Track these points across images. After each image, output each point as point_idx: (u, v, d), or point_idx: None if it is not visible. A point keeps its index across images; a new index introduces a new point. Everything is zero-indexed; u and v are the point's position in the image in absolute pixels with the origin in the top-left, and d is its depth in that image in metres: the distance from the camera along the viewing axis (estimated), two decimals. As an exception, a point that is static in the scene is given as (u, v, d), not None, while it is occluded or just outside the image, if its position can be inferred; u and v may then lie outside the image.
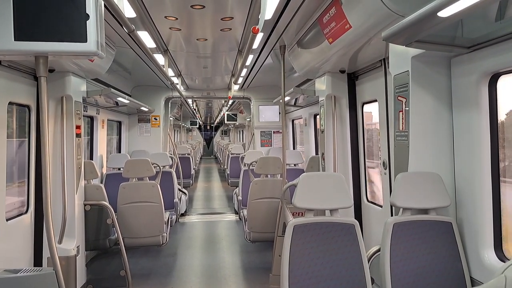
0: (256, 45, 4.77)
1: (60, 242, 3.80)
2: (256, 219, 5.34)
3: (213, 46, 5.30)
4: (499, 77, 2.42)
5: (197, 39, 4.87)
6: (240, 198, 6.92)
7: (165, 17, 3.95)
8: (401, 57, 2.82)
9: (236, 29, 4.44)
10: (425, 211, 2.61)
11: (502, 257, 2.44)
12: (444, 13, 1.84)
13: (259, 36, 4.37)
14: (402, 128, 2.84)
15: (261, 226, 5.33)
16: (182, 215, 8.53)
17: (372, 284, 2.57)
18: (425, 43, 2.40)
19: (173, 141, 9.71)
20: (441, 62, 2.71)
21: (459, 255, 2.52)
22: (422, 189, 2.57)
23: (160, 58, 5.59)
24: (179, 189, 7.42)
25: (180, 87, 8.06)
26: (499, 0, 1.95)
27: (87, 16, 2.16)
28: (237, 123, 17.31)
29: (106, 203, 4.48)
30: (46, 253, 3.78)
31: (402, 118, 2.84)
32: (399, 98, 2.87)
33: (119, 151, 8.10)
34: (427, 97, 2.73)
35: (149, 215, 5.14)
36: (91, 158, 6.41)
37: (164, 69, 5.58)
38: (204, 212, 9.47)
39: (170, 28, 4.34)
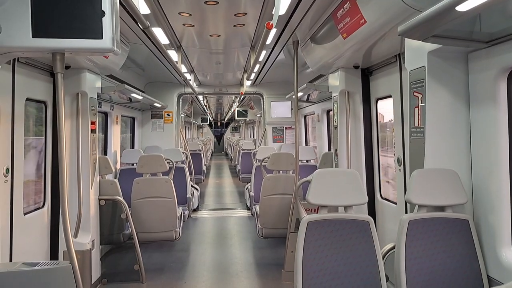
0: (269, 40, 4.75)
1: (75, 236, 3.86)
2: (269, 215, 5.33)
3: (225, 42, 5.30)
4: (518, 72, 2.37)
5: (210, 35, 4.87)
6: (252, 194, 6.92)
7: (179, 13, 3.96)
8: (417, 52, 2.79)
9: (249, 25, 4.43)
10: (441, 208, 2.58)
11: (520, 255, 2.41)
12: (462, 7, 1.81)
13: (272, 32, 4.35)
14: (418, 124, 2.81)
15: (273, 222, 5.33)
16: (195, 210, 8.59)
17: (386, 282, 2.55)
18: (442, 38, 2.36)
19: (184, 137, 9.75)
20: (458, 57, 2.67)
21: (476, 253, 2.49)
22: (438, 186, 2.54)
23: (173, 54, 5.62)
24: (191, 185, 7.46)
25: (193, 83, 8.09)
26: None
27: (103, 13, 2.18)
28: (248, 119, 17.32)
29: (120, 198, 4.53)
30: (62, 247, 3.84)
31: (418, 114, 2.81)
32: (415, 94, 2.84)
33: (133, 147, 8.18)
34: (443, 93, 2.69)
35: (163, 210, 5.18)
36: (105, 153, 6.48)
37: (178, 65, 5.60)
38: (216, 207, 9.51)
39: (183, 24, 4.35)
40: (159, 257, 5.62)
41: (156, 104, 7.53)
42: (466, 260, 2.49)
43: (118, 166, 6.87)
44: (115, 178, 6.24)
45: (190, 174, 8.04)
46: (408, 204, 3.06)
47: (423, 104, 2.73)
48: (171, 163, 5.91)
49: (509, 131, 2.44)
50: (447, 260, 2.49)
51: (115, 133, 6.66)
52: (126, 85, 5.02)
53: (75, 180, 3.92)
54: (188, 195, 6.85)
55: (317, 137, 7.44)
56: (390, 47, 3.58)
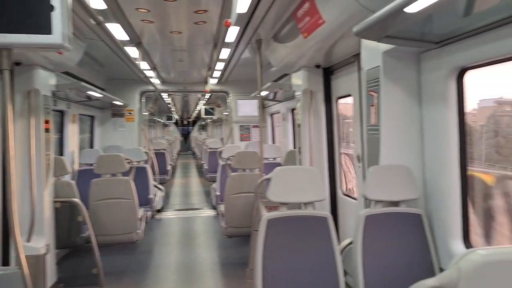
0: (231, 38, 4.73)
1: (28, 240, 3.69)
2: (234, 214, 5.32)
3: (188, 39, 5.24)
4: (466, 71, 2.47)
5: (171, 32, 4.80)
6: (217, 193, 6.87)
7: (137, 9, 3.87)
8: (373, 52, 2.85)
9: (211, 23, 4.40)
10: (395, 203, 2.65)
11: (469, 247, 2.51)
12: (410, 9, 1.87)
13: (234, 30, 4.34)
14: (374, 122, 2.88)
15: (238, 221, 5.32)
16: (159, 211, 8.43)
17: (345, 276, 2.59)
18: (395, 38, 2.42)
19: (147, 136, 9.56)
20: (411, 57, 2.75)
21: (428, 246, 2.57)
22: (393, 181, 2.61)
23: (133, 51, 5.48)
24: (154, 185, 7.33)
25: (156, 80, 7.94)
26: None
27: (52, 7, 2.09)
28: (215, 118, 17.21)
29: (77, 200, 4.38)
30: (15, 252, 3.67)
31: (374, 113, 2.88)
32: (371, 92, 2.90)
33: (92, 147, 7.93)
34: (397, 92, 2.76)
35: (122, 212, 5.06)
36: (62, 154, 6.25)
37: (138, 62, 5.48)
38: (181, 208, 9.38)
39: (142, 20, 4.27)
40: (121, 260, 5.48)
41: (116, 102, 7.34)
42: (420, 252, 2.57)
43: (76, 167, 6.64)
44: (73, 179, 6.03)
45: (154, 174, 7.89)
46: (366, 200, 3.13)
47: (379, 103, 2.80)
48: (131, 163, 5.78)
49: (459, 128, 2.53)
50: (402, 253, 2.56)
51: (72, 132, 6.43)
52: (82, 83, 4.86)
53: (27, 182, 3.75)
54: (151, 195, 6.71)
55: (282, 135, 7.48)
56: (349, 47, 3.64)
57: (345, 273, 2.67)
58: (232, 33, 4.46)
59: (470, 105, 2.58)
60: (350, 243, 2.73)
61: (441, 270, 2.56)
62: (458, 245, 2.51)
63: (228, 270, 5.09)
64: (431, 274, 2.54)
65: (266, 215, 2.57)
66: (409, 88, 2.76)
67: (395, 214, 2.60)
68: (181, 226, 7.58)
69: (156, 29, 4.65)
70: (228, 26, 3.04)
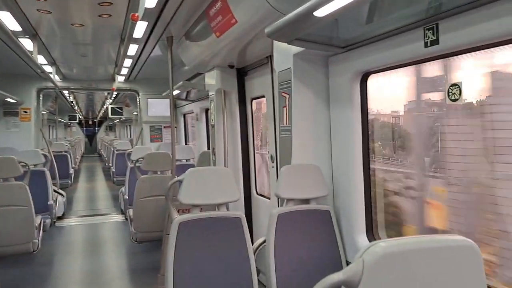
0: (139, 34, 4.52)
1: None
2: (143, 219, 5.10)
3: (92, 33, 4.89)
4: (369, 76, 2.64)
5: (72, 24, 4.42)
6: (126, 197, 6.54)
7: (32, -4, 3.50)
8: (284, 54, 2.91)
9: (117, 16, 4.15)
10: (306, 201, 2.74)
11: (373, 240, 2.69)
12: (319, 13, 1.93)
13: (143, 25, 4.15)
14: (286, 123, 2.95)
15: (148, 225, 5.11)
16: (60, 218, 7.77)
17: (258, 275, 2.61)
18: (305, 41, 2.50)
19: (45, 137, 8.75)
20: (320, 60, 2.87)
21: (336, 241, 2.70)
22: (304, 180, 2.69)
23: (28, 43, 4.96)
24: (55, 190, 6.73)
25: (55, 76, 7.29)
26: (367, 4, 2.11)
27: None
28: (123, 118, 16.40)
29: None
30: None
31: (286, 114, 2.94)
32: (283, 94, 2.97)
33: None
34: (307, 94, 2.86)
35: (16, 220, 4.54)
36: None
37: (33, 56, 4.97)
38: (87, 214, 8.75)
39: (38, 10, 3.86)
40: (16, 273, 4.92)
41: (9, 100, 6.58)
42: (328, 248, 2.68)
43: None
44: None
45: (54, 178, 7.25)
46: (278, 199, 3.19)
47: (290, 104, 2.87)
48: (26, 167, 5.22)
49: (362, 129, 2.70)
50: (312, 249, 2.65)
51: None
52: None
53: None
54: (50, 201, 6.15)
55: (196, 136, 7.38)
56: (262, 48, 3.69)
57: (259, 272, 2.68)
58: (140, 28, 4.26)
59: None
60: (264, 242, 2.75)
61: (348, 263, 2.70)
62: (362, 239, 2.67)
63: (138, 276, 4.86)
64: (339, 267, 2.67)
65: (177, 218, 2.49)
66: (318, 90, 2.87)
67: (306, 212, 2.69)
68: (86, 233, 7.07)
69: (55, 20, 4.26)
70: (135, 20, 2.88)
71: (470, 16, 1.76)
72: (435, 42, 1.94)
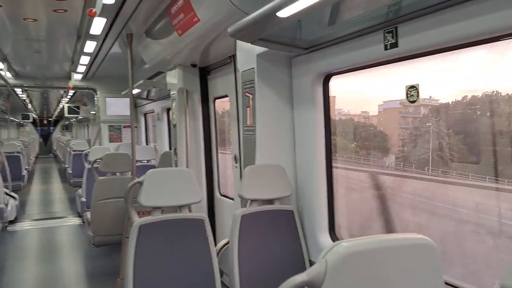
0: (97, 31, 4.36)
1: None
2: (102, 222, 4.94)
3: (47, 29, 4.67)
4: (331, 77, 2.68)
5: (24, 19, 4.20)
6: (83, 199, 6.33)
7: (-21, -12, 3.29)
8: (248, 54, 2.90)
9: (73, 11, 3.98)
10: (270, 201, 2.74)
11: (335, 239, 2.73)
12: (282, 14, 1.94)
13: (101, 21, 4.00)
14: (250, 123, 2.93)
15: (107, 228, 4.95)
16: (12, 222, 7.38)
17: (222, 277, 2.58)
18: (268, 41, 2.50)
19: None
20: (283, 61, 2.88)
21: (300, 240, 2.72)
22: (267, 180, 2.69)
23: (-25, 38, 4.67)
24: (6, 193, 6.38)
25: (6, 73, 6.91)
26: (330, 6, 2.14)
27: None
28: (81, 117, 15.83)
29: None
30: None
31: (250, 114, 2.93)
32: (246, 94, 2.95)
33: None
34: (271, 94, 2.86)
35: None
36: None
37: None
38: (41, 217, 8.37)
39: (-13, 2, 3.64)
40: (-39, 283, 4.62)
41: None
42: (292, 247, 2.70)
43: None
44: None
45: (5, 180, 6.88)
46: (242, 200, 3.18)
47: (254, 104, 2.86)
48: None
49: (325, 130, 2.74)
50: (276, 249, 2.65)
51: None
52: None
53: None
54: (1, 205, 5.83)
55: (157, 136, 7.24)
56: (226, 48, 3.66)
57: (222, 273, 2.66)
58: (98, 25, 4.11)
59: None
60: (227, 243, 2.73)
61: (311, 263, 2.73)
62: (325, 238, 2.71)
63: (96, 282, 4.71)
64: (302, 267, 2.69)
65: (137, 220, 2.42)
66: (282, 91, 2.88)
67: (269, 212, 2.69)
68: (40, 238, 6.76)
69: (6, 14, 4.03)
70: (92, 16, 2.77)
71: (427, 20, 1.82)
72: (395, 45, 2.00)
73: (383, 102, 2.97)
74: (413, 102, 2.09)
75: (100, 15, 3.67)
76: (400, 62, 2.12)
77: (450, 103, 2.42)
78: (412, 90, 2.09)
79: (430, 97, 2.45)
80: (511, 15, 1.49)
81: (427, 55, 1.97)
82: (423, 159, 2.64)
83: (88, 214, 5.44)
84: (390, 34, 2.01)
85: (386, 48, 2.05)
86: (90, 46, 5.07)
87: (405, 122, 2.90)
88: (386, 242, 1.04)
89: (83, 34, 3.59)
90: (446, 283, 1.89)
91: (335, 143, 2.85)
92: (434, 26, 1.79)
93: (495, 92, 2.12)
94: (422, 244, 1.06)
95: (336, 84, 2.72)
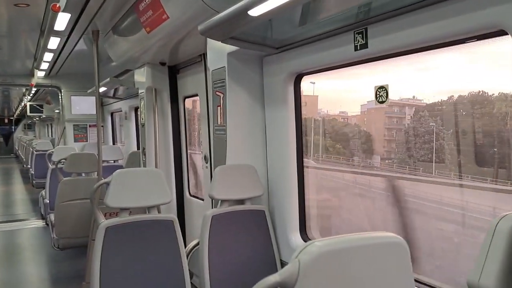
0: (61, 26, 4.20)
1: None
2: (67, 224, 4.79)
3: (8, 24, 4.48)
4: (303, 77, 2.69)
5: (-17, 13, 4.01)
6: (47, 201, 6.12)
7: None
8: (218, 52, 2.87)
9: (36, 6, 3.83)
10: (241, 201, 2.72)
11: (306, 239, 2.74)
12: (253, 12, 1.92)
13: (65, 17, 3.86)
14: (221, 123, 2.90)
15: (72, 230, 4.81)
16: None
17: (192, 278, 2.55)
18: (239, 40, 2.48)
19: None
20: (255, 60, 2.86)
21: (271, 240, 2.71)
22: (238, 180, 2.67)
23: None
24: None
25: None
26: (301, 5, 2.14)
27: None
28: (44, 116, 15.27)
29: None
30: None
31: (220, 113, 2.90)
32: (217, 93, 2.92)
33: None
34: (242, 93, 2.84)
35: None
36: None
37: None
38: (1, 220, 8.04)
39: None
40: None
41: None
42: (263, 247, 2.69)
43: None
44: None
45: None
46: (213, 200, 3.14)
47: (225, 103, 2.83)
48: None
49: (296, 130, 2.74)
50: (247, 250, 2.64)
51: None
52: None
53: None
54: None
55: (125, 135, 7.08)
56: (196, 46, 3.61)
57: (192, 275, 2.62)
58: (62, 20, 3.96)
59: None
60: (197, 244, 2.69)
61: (282, 262, 2.73)
62: (296, 238, 2.71)
63: (60, 285, 4.60)
64: (273, 267, 2.68)
65: (104, 222, 2.36)
66: (253, 90, 2.87)
67: (241, 212, 2.67)
68: (0, 241, 6.48)
69: (-38, 6, 3.82)
70: (56, 11, 2.66)
71: (396, 22, 1.85)
72: (364, 46, 2.02)
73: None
74: (382, 102, 2.12)
75: (64, 10, 3.54)
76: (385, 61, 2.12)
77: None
78: (382, 91, 2.12)
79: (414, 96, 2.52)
80: (476, 18, 1.53)
81: (396, 56, 2.00)
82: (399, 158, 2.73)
83: (51, 216, 5.27)
84: (360, 35, 2.03)
85: (356, 49, 2.07)
86: (54, 43, 4.90)
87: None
88: (358, 241, 1.04)
89: (46, 29, 3.45)
90: (416, 281, 1.93)
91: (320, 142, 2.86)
92: (403, 27, 1.82)
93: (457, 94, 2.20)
94: (393, 242, 1.07)
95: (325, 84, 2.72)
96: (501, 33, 1.50)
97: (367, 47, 2.01)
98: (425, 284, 2.00)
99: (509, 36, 1.44)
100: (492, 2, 1.46)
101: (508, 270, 1.03)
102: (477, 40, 1.63)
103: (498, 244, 1.04)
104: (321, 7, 2.20)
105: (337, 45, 2.20)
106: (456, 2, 1.59)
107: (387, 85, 2.11)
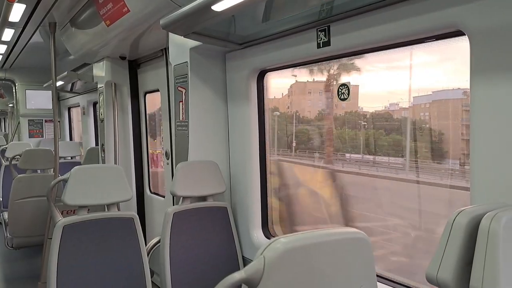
0: (16, 18, 4.00)
1: None
2: (21, 222, 4.62)
3: (-45, 12, 4.19)
4: (266, 73, 2.70)
5: None
6: (0, 199, 5.85)
7: None
8: (181, 47, 2.83)
9: (-12, -5, 3.61)
10: (203, 198, 2.70)
11: (268, 235, 2.77)
12: (217, 7, 1.91)
13: (20, 8, 3.68)
14: (183, 119, 2.87)
15: (27, 229, 4.64)
16: None
17: (152, 276, 2.52)
18: (202, 35, 2.46)
19: None
20: (218, 55, 2.85)
21: (233, 237, 2.72)
22: (201, 177, 2.65)
23: None
24: None
25: None
26: (264, 1, 2.15)
27: None
28: (-3, 110, 14.52)
29: None
30: None
31: (183, 109, 2.87)
32: (179, 88, 2.88)
33: None
34: (205, 89, 2.82)
35: None
36: None
37: None
38: None
39: None
40: None
41: None
42: (226, 244, 2.69)
43: None
44: None
45: None
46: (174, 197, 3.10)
47: (187, 99, 2.80)
48: None
49: (259, 126, 2.75)
50: (209, 247, 2.63)
51: None
52: None
53: None
54: None
55: (82, 131, 6.87)
56: (157, 40, 3.54)
57: (153, 273, 2.59)
58: (17, 12, 3.77)
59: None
60: (158, 242, 2.65)
61: (244, 259, 2.74)
62: (258, 234, 2.73)
63: (15, 286, 4.45)
64: (235, 264, 2.69)
65: (61, 220, 2.29)
66: (216, 86, 2.85)
67: (203, 209, 2.65)
68: None
69: None
70: (11, 2, 2.53)
71: (359, 20, 1.89)
72: (327, 43, 2.05)
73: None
74: (343, 100, 2.16)
75: (20, 1, 3.38)
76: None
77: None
78: (343, 88, 2.16)
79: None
80: (434, 18, 1.59)
81: (358, 54, 2.05)
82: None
83: (5, 215, 5.07)
84: (323, 33, 2.06)
85: (319, 46, 2.10)
86: (7, 34, 4.68)
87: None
88: (322, 237, 1.06)
89: (0, 21, 3.26)
90: (377, 275, 1.99)
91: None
92: (365, 26, 1.86)
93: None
94: (356, 237, 1.10)
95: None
96: (459, 33, 1.55)
97: (329, 45, 2.05)
98: (386, 278, 2.06)
99: (466, 36, 1.50)
100: (450, 2, 1.51)
101: (464, 264, 1.07)
102: (436, 40, 1.68)
103: (455, 238, 1.08)
104: (285, 4, 2.22)
105: (300, 42, 2.22)
106: (415, 2, 1.64)
107: (349, 82, 2.16)
